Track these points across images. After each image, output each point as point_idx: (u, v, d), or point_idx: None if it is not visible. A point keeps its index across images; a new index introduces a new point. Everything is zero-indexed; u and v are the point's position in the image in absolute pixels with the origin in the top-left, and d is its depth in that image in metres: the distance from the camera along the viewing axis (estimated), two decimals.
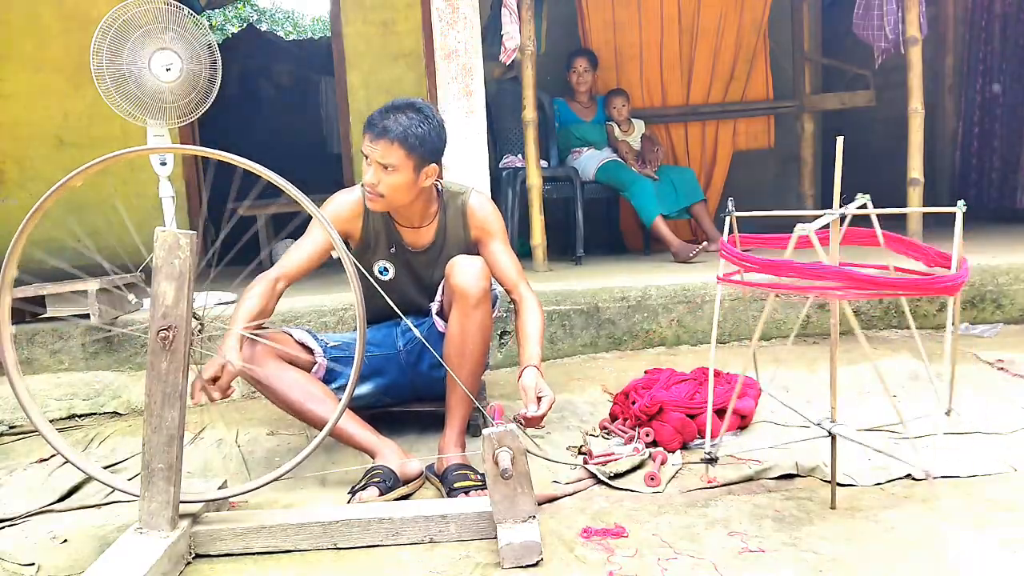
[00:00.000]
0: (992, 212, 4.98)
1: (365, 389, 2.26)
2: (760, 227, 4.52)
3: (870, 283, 1.42)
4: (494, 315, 2.13)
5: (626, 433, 2.17)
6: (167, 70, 2.89)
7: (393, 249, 2.19)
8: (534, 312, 2.07)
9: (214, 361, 1.72)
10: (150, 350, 1.55)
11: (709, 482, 1.89)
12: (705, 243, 4.06)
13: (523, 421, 1.77)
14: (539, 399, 1.82)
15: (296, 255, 2.06)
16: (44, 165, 5.21)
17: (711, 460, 1.83)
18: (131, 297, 2.95)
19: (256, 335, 1.92)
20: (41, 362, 2.91)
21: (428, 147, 2.02)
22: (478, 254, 2.14)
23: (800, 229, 1.46)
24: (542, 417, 1.80)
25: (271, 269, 2.03)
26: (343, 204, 2.16)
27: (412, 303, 2.22)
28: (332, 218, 2.08)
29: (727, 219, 1.78)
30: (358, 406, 2.22)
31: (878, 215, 1.60)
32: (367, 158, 2.02)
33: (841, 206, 1.54)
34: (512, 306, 2.17)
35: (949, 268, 1.55)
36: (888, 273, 1.73)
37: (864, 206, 1.57)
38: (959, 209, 1.55)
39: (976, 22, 5.16)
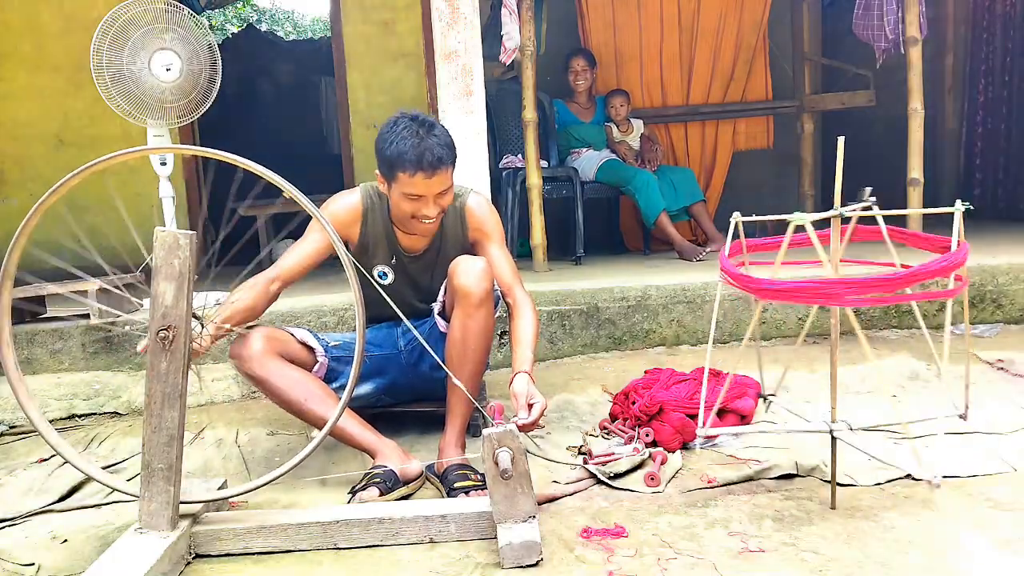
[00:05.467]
0: (998, 212, 4.98)
1: (365, 389, 2.26)
2: (761, 229, 4.53)
3: (873, 285, 1.42)
4: (495, 315, 2.13)
5: (626, 433, 2.17)
6: (167, 70, 2.89)
7: (394, 260, 2.19)
8: (528, 316, 2.06)
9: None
10: (150, 350, 1.55)
11: (709, 482, 1.88)
12: (712, 246, 4.08)
13: (516, 427, 1.76)
14: (530, 406, 1.80)
15: (293, 257, 2.05)
16: (44, 165, 5.21)
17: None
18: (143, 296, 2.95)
19: (234, 329, 1.86)
20: (41, 362, 2.92)
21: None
22: (474, 255, 2.14)
23: (797, 219, 1.46)
24: (534, 423, 1.79)
25: (268, 270, 2.02)
26: (341, 207, 2.15)
27: (409, 306, 2.21)
28: (330, 220, 2.08)
29: (731, 225, 1.76)
30: (358, 406, 2.22)
31: (881, 215, 1.60)
32: (416, 196, 1.97)
33: (842, 206, 1.53)
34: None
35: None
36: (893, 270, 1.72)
37: (869, 207, 1.56)
38: (958, 209, 1.55)
39: (978, 22, 5.16)
